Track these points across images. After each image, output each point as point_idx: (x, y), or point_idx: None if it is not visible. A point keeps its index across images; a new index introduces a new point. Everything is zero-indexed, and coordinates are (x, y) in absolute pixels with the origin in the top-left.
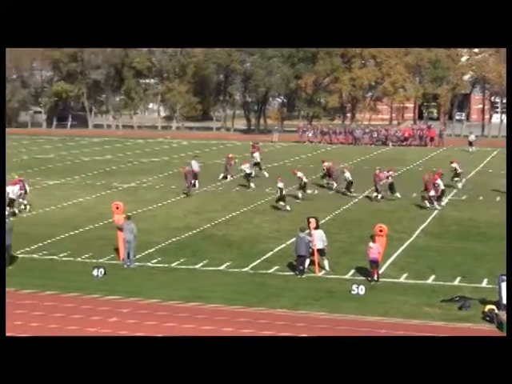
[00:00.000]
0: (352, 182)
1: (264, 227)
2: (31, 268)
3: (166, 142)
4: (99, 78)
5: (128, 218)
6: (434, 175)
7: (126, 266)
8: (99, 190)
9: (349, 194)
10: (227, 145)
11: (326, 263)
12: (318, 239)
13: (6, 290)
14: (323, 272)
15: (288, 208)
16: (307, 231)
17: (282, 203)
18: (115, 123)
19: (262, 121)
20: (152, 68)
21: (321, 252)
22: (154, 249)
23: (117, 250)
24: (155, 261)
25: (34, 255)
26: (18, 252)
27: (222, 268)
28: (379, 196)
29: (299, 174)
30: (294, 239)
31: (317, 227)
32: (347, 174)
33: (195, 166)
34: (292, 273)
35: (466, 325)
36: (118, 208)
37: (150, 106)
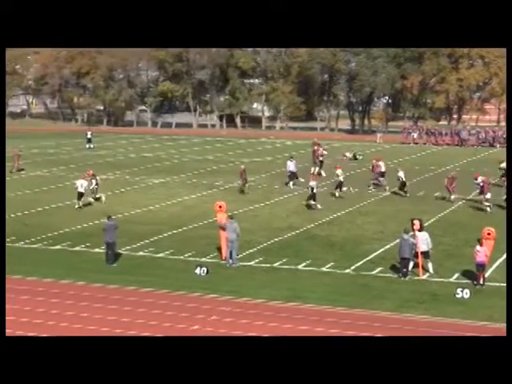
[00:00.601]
0: (405, 183)
1: (367, 228)
2: (134, 265)
3: (270, 141)
4: (204, 77)
5: (231, 217)
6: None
7: (228, 265)
8: (202, 189)
9: (402, 193)
10: (332, 145)
11: (430, 266)
12: (422, 241)
13: (111, 286)
14: (427, 275)
15: (319, 206)
16: (411, 233)
17: (312, 202)
18: (219, 123)
19: (366, 121)
20: (256, 68)
21: (425, 254)
22: (256, 248)
23: (219, 249)
24: (257, 260)
25: (138, 253)
26: (122, 249)
27: (324, 269)
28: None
29: (338, 171)
30: (397, 241)
31: (421, 229)
32: (401, 174)
33: (291, 166)
34: (395, 275)
35: None
36: (220, 207)
37: (255, 105)
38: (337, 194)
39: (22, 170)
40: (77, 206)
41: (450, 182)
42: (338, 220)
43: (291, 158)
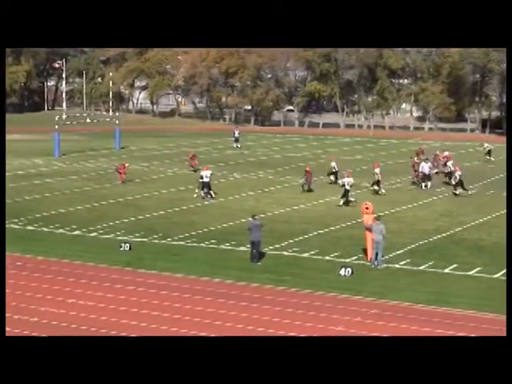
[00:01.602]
0: (461, 181)
1: None
2: (279, 264)
3: (419, 142)
4: (352, 77)
5: (377, 218)
6: None
7: (373, 267)
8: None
9: (456, 192)
10: (478, 148)
11: None
12: None
13: (257, 285)
14: None
15: (353, 199)
16: None
17: (345, 198)
18: (366, 123)
19: None
20: (406, 68)
21: None
22: (402, 250)
23: (365, 250)
24: (403, 262)
25: (283, 252)
26: (267, 249)
27: (471, 273)
28: None
29: (376, 170)
30: None
31: None
32: (458, 173)
33: (425, 168)
34: None
35: None
36: (367, 208)
37: (403, 106)
38: (382, 191)
39: (195, 171)
40: (203, 196)
41: None
42: (487, 224)
43: (426, 159)
